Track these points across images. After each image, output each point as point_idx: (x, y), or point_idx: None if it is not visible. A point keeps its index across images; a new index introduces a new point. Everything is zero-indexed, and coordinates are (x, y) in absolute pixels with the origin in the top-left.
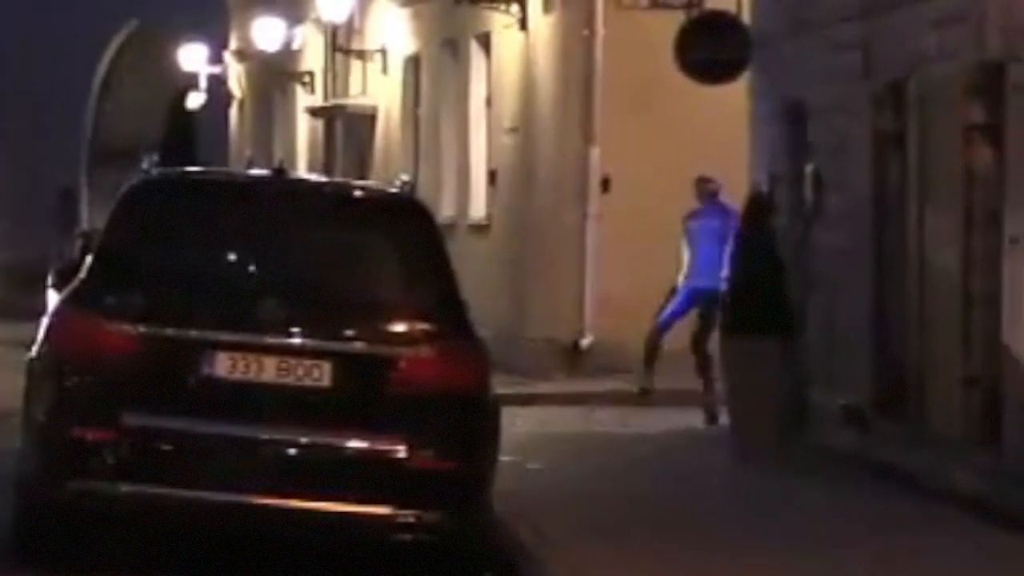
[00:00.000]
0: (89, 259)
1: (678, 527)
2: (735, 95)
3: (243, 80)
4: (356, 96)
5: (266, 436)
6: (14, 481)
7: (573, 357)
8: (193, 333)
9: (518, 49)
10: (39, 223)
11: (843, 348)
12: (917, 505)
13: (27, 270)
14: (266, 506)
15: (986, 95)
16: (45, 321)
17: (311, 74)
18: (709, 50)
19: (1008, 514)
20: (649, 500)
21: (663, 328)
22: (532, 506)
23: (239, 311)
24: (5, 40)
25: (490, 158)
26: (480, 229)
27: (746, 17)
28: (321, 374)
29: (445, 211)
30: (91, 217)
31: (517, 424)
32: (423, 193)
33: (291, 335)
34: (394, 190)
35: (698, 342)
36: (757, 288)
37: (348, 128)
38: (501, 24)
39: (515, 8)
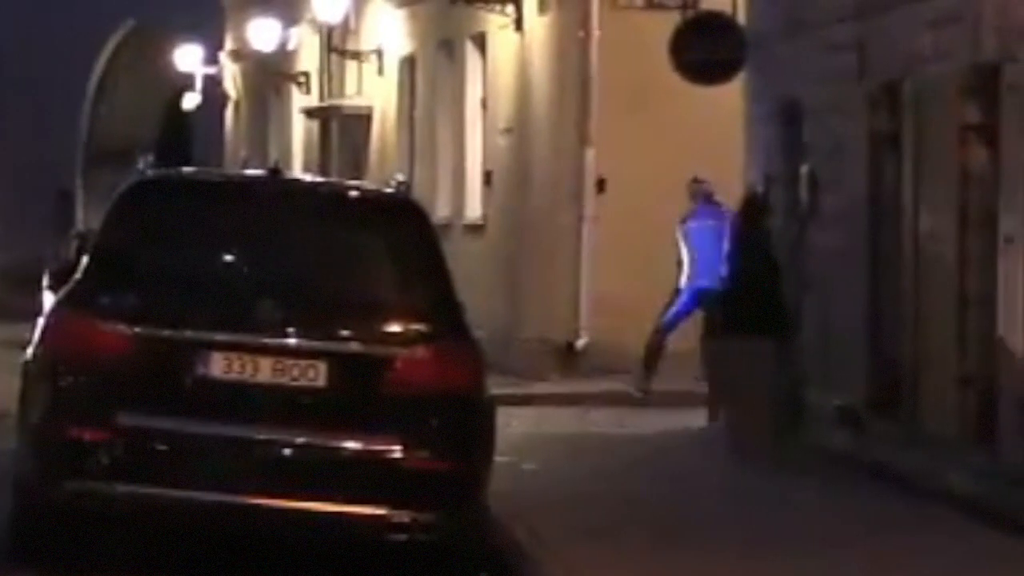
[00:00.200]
0: (85, 260)
1: (674, 527)
2: (730, 96)
3: (239, 81)
4: (352, 97)
5: (262, 436)
6: (10, 481)
7: (568, 358)
8: (189, 333)
9: (514, 50)
10: (35, 224)
11: (838, 348)
12: (912, 505)
13: (23, 271)
14: (262, 506)
15: (981, 96)
16: (41, 322)
17: (307, 75)
18: (704, 51)
19: (1003, 514)
20: (645, 501)
21: (668, 329)
22: (528, 507)
23: (235, 311)
24: (3, 40)
25: (486, 159)
26: (475, 230)
27: (741, 18)
28: (316, 374)
29: (440, 211)
30: (87, 218)
31: (512, 425)
32: (418, 193)
33: (287, 335)
34: (390, 190)
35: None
36: (752, 288)
37: (344, 129)
38: (496, 25)
39: (510, 9)
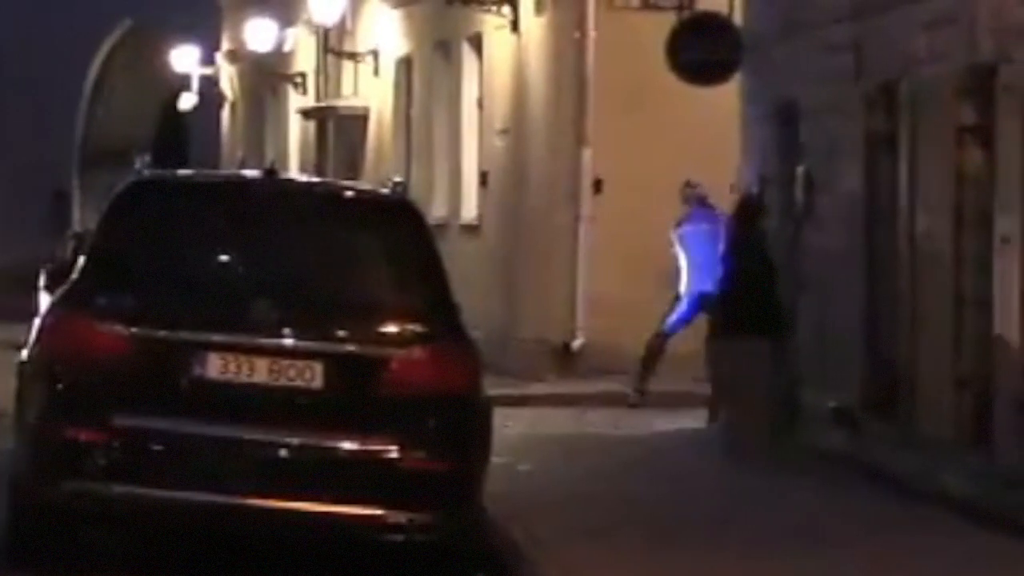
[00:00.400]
0: (81, 260)
1: (670, 528)
2: (727, 96)
3: (235, 81)
4: (348, 97)
5: (258, 437)
6: (7, 482)
7: (565, 358)
8: (185, 334)
9: (510, 51)
10: (31, 224)
11: (834, 349)
12: (907, 506)
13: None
14: (258, 507)
15: (977, 97)
16: (37, 322)
17: (303, 75)
18: (701, 51)
19: (999, 516)
20: (641, 501)
21: (670, 333)
22: (524, 507)
23: (231, 312)
24: (2, 40)
25: (482, 159)
26: (472, 230)
27: (738, 18)
28: (313, 375)
29: (437, 212)
30: (83, 218)
31: (509, 425)
32: (415, 194)
33: (283, 336)
34: (386, 191)
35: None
36: (749, 289)
37: (340, 129)
38: (493, 26)
39: (507, 10)
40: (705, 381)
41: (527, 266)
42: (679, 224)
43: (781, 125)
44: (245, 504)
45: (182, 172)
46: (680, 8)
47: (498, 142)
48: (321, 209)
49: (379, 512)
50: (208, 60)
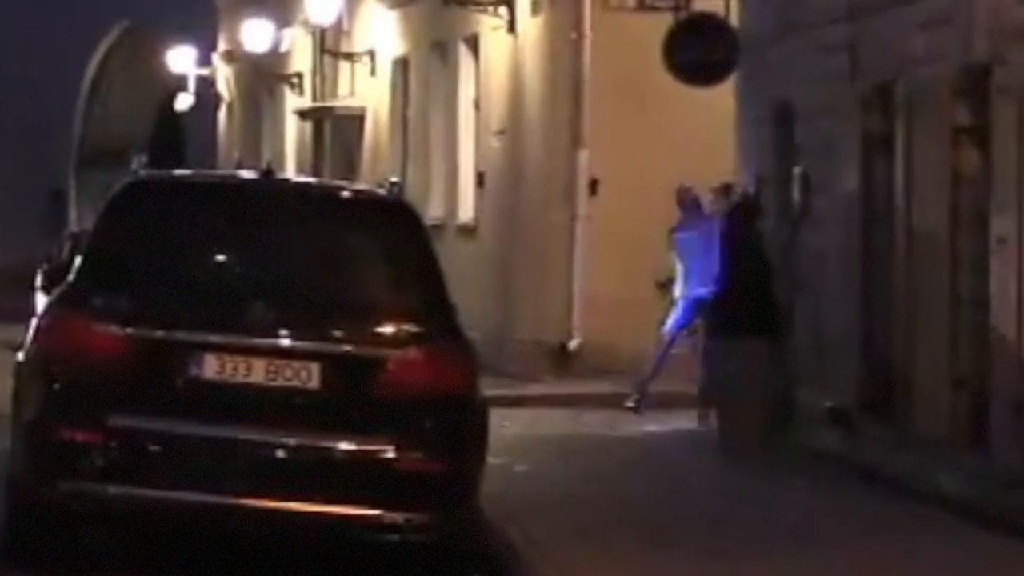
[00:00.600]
0: (78, 261)
1: (666, 528)
2: (723, 97)
3: (232, 82)
4: (344, 98)
5: (255, 437)
6: (4, 482)
7: (561, 359)
8: (181, 335)
9: (506, 51)
10: (28, 224)
11: (830, 349)
12: (903, 507)
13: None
14: (254, 507)
15: (972, 97)
16: (34, 323)
17: (299, 76)
18: (697, 52)
19: (995, 516)
20: (637, 502)
21: (671, 340)
22: (520, 508)
23: (227, 313)
24: (1, 40)
25: (478, 160)
26: (468, 231)
27: (734, 19)
28: (309, 376)
29: (433, 212)
30: (80, 218)
31: (505, 426)
32: (411, 195)
33: (279, 337)
34: (382, 192)
35: None
36: (744, 290)
37: (336, 130)
38: (489, 26)
39: (503, 10)
40: (695, 381)
41: (523, 267)
42: (673, 230)
43: (777, 126)
44: (242, 504)
45: (179, 172)
46: (676, 9)
47: (494, 143)
48: (318, 210)
49: (376, 512)
50: (205, 60)
